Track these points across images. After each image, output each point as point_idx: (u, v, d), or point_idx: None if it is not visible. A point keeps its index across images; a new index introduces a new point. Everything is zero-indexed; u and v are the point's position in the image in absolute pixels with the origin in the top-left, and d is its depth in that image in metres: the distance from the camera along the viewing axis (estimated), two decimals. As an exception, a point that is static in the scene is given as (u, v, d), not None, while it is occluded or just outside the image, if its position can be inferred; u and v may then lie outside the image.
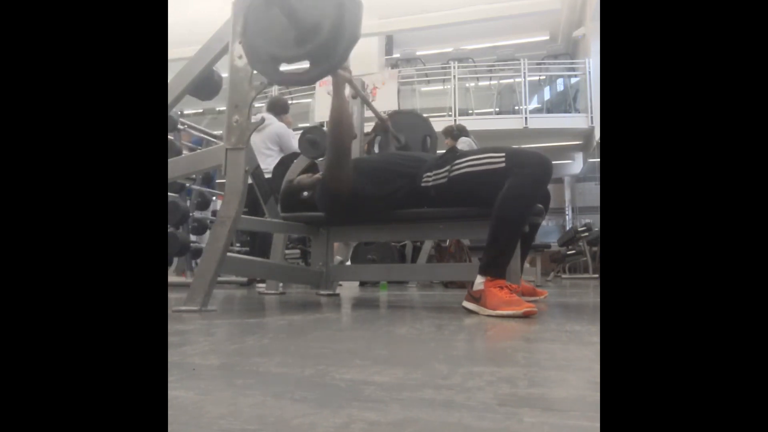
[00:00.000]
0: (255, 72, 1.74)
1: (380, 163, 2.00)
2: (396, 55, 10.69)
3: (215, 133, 5.05)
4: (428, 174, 1.87)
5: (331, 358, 0.82)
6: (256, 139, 3.59)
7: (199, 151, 2.15)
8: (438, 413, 0.50)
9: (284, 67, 1.61)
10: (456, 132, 4.48)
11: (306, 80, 1.66)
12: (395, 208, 1.96)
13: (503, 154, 1.69)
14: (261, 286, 2.94)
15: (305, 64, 1.58)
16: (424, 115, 3.16)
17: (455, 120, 8.09)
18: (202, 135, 4.98)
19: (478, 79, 9.51)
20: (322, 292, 2.45)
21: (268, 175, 2.99)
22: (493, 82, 9.34)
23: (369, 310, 1.86)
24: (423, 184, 1.87)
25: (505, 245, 1.63)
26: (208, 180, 4.91)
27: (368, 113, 2.77)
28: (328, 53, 1.53)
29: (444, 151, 1.97)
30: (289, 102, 9.93)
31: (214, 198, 5.25)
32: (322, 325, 1.31)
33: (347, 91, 2.04)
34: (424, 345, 0.98)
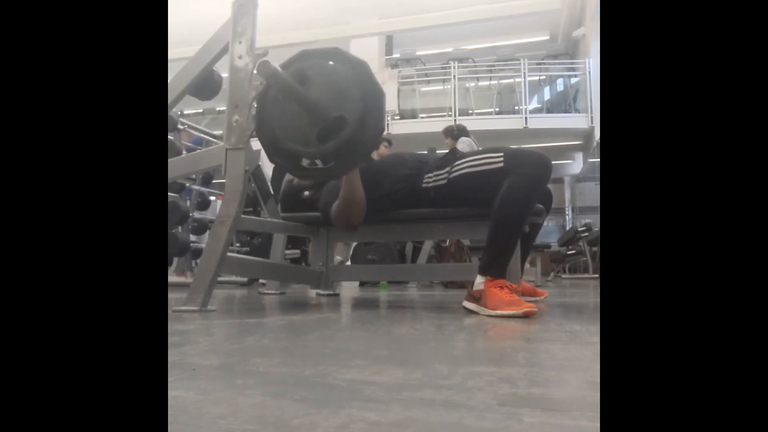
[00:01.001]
0: (255, 72, 1.74)
1: (381, 165, 2.00)
2: (396, 55, 10.69)
3: (215, 133, 5.05)
4: (429, 175, 1.87)
5: (331, 358, 0.82)
6: None
7: (199, 151, 2.15)
8: (438, 413, 0.50)
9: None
10: (456, 132, 4.48)
11: (330, 176, 1.61)
12: (395, 209, 1.96)
13: (502, 155, 1.69)
14: (263, 288, 2.94)
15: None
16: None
17: (455, 120, 8.10)
18: (202, 135, 4.98)
19: (478, 79, 9.51)
20: (322, 292, 2.45)
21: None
22: (493, 82, 9.34)
23: (369, 310, 1.86)
24: (423, 185, 1.87)
25: (505, 245, 1.63)
26: (208, 180, 4.91)
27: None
28: (353, 148, 1.45)
29: (446, 151, 1.98)
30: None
31: (213, 198, 5.25)
32: (322, 325, 1.31)
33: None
34: (424, 345, 0.98)
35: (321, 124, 1.45)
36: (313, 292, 2.67)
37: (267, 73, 1.42)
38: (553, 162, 1.71)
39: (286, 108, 1.49)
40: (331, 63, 1.51)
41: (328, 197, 1.97)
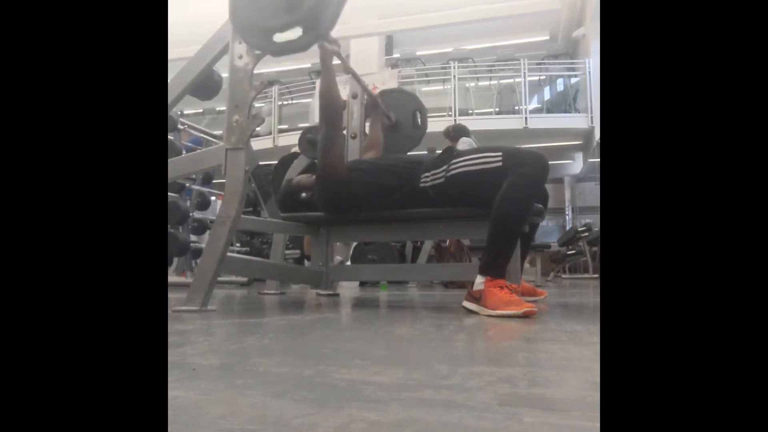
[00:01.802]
0: (255, 71, 1.74)
1: (379, 165, 2.00)
2: (396, 55, 10.68)
3: (215, 133, 5.05)
4: (426, 174, 1.87)
5: (331, 358, 0.82)
6: None
7: (199, 151, 2.15)
8: (438, 413, 0.50)
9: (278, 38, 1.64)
10: (453, 133, 4.45)
11: (299, 47, 1.67)
12: (395, 209, 1.96)
13: (500, 154, 1.69)
14: (263, 288, 2.94)
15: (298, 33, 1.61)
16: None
17: (455, 120, 8.09)
18: (202, 135, 4.98)
19: (478, 79, 9.51)
20: (322, 292, 2.45)
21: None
22: (493, 82, 9.33)
23: (369, 310, 1.86)
24: (422, 185, 1.87)
25: (505, 245, 1.63)
26: (208, 180, 4.91)
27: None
28: (318, 17, 1.56)
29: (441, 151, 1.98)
30: (289, 102, 9.97)
31: (213, 198, 5.25)
32: (322, 325, 1.31)
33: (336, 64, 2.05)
34: (424, 345, 0.98)
35: None
36: (313, 292, 2.67)
37: None
38: (553, 162, 1.71)
39: None
40: None
41: (319, 189, 2.01)
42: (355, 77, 2.51)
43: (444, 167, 1.83)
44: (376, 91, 2.95)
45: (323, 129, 1.95)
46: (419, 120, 2.88)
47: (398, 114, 2.85)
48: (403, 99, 2.95)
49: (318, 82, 2.06)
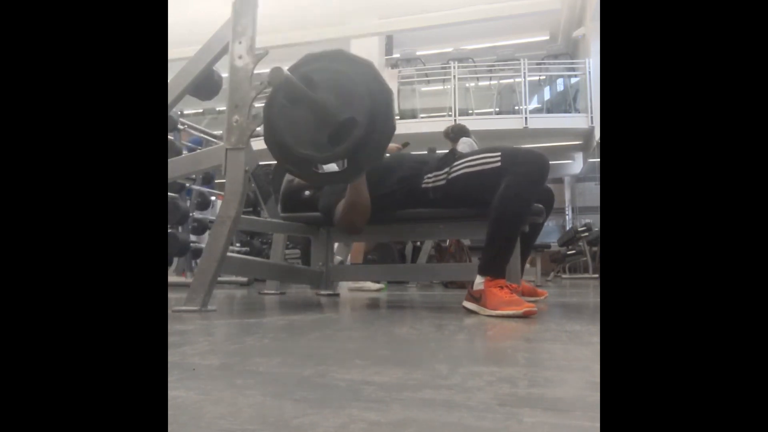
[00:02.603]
0: (255, 72, 1.74)
1: (381, 166, 2.00)
2: (396, 55, 10.68)
3: (215, 133, 5.05)
4: (428, 176, 1.88)
5: (331, 358, 0.82)
6: None
7: (199, 151, 2.15)
8: (438, 413, 0.50)
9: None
10: (452, 134, 4.44)
11: (344, 180, 1.59)
12: (395, 209, 1.96)
13: (499, 154, 1.69)
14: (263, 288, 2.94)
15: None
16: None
17: (455, 120, 8.09)
18: (202, 135, 4.98)
19: (478, 79, 9.51)
20: (322, 292, 2.45)
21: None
22: (493, 82, 9.33)
23: (369, 310, 1.86)
24: (423, 185, 1.88)
25: (504, 245, 1.64)
26: (208, 180, 4.91)
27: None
28: (365, 149, 1.44)
29: (446, 151, 1.98)
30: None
31: (213, 198, 5.25)
32: (322, 325, 1.31)
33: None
34: (424, 345, 0.98)
35: (331, 127, 1.43)
36: (313, 292, 2.67)
37: (280, 80, 1.38)
38: (553, 162, 1.71)
39: (294, 114, 1.47)
40: (335, 65, 1.50)
41: (329, 198, 1.97)
42: None
43: (446, 169, 1.83)
44: None
45: (346, 222, 1.85)
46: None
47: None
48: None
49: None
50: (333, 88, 1.45)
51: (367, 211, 1.79)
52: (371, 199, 1.94)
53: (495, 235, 1.63)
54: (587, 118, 8.30)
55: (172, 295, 2.32)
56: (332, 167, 1.75)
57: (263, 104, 1.58)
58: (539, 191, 1.73)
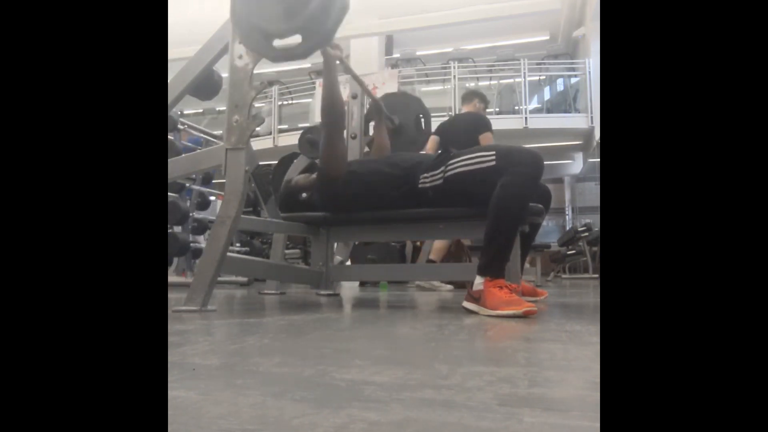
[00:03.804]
0: (255, 72, 1.74)
1: (379, 165, 2.01)
2: (396, 55, 10.68)
3: (215, 133, 5.05)
4: (425, 175, 1.88)
5: (331, 358, 0.82)
6: None
7: (199, 151, 2.15)
8: (438, 413, 0.50)
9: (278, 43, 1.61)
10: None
11: (299, 54, 1.64)
12: (395, 209, 1.96)
13: (493, 153, 1.69)
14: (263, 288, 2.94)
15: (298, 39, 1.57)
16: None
17: (455, 120, 8.08)
18: (202, 135, 4.98)
19: (478, 79, 9.51)
20: (322, 292, 2.45)
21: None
22: (493, 82, 9.33)
23: (369, 310, 1.86)
24: (420, 185, 1.88)
25: (502, 244, 1.64)
26: (208, 180, 4.91)
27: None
28: (318, 25, 1.53)
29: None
30: (289, 102, 9.97)
31: (213, 198, 5.25)
32: (322, 325, 1.31)
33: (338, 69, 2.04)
34: (424, 345, 0.98)
35: (287, 3, 1.53)
36: (313, 292, 2.67)
37: None
38: (553, 162, 1.71)
39: None
40: None
41: (324, 192, 2.01)
42: (357, 80, 2.51)
43: (442, 168, 1.83)
44: (376, 92, 2.95)
45: (325, 131, 1.94)
46: (422, 124, 2.88)
47: (401, 117, 2.85)
48: (407, 102, 2.94)
49: (319, 83, 2.05)
50: None
51: (341, 101, 1.94)
52: (372, 200, 1.94)
53: (493, 235, 1.63)
54: (587, 118, 8.29)
55: (172, 295, 2.32)
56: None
57: None
58: (535, 190, 1.73)
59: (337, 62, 1.97)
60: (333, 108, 1.92)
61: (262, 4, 1.58)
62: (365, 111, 2.79)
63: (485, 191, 1.65)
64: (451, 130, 3.77)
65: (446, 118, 4.09)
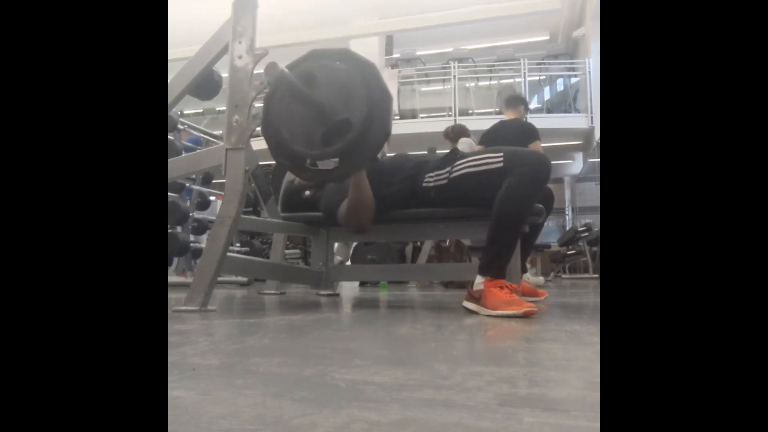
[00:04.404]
0: (255, 72, 1.74)
1: (382, 166, 2.00)
2: (396, 55, 10.67)
3: (215, 133, 5.05)
4: (430, 175, 1.87)
5: (331, 358, 0.82)
6: None
7: (199, 151, 2.15)
8: (438, 413, 0.50)
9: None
10: (452, 134, 4.44)
11: (334, 179, 1.60)
12: (396, 209, 1.96)
13: (501, 155, 1.69)
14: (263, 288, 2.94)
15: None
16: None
17: (455, 120, 8.09)
18: (202, 135, 4.98)
19: (478, 79, 9.50)
20: (322, 292, 2.45)
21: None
22: (493, 82, 9.33)
23: (369, 310, 1.86)
24: (424, 185, 1.88)
25: (504, 245, 1.64)
26: (208, 180, 4.91)
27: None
28: (358, 151, 1.45)
29: (446, 151, 1.98)
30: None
31: (213, 198, 5.25)
32: (322, 325, 1.31)
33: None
34: (424, 345, 0.98)
35: (326, 125, 1.44)
36: (313, 292, 2.67)
37: (274, 76, 1.42)
38: (553, 162, 1.71)
39: (292, 108, 1.48)
40: (338, 64, 1.50)
41: (332, 197, 1.96)
42: None
43: (447, 169, 1.83)
44: None
45: (352, 220, 1.81)
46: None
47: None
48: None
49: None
50: (333, 87, 1.46)
51: (371, 209, 1.77)
52: (377, 203, 1.94)
53: (496, 235, 1.63)
54: (587, 118, 8.29)
55: (172, 295, 2.32)
56: (327, 165, 1.76)
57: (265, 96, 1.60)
58: (541, 192, 1.73)
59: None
60: (359, 218, 1.78)
61: (298, 124, 1.47)
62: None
63: (490, 192, 1.65)
64: (497, 139, 3.74)
65: (493, 125, 4.03)
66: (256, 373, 0.70)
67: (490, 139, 3.72)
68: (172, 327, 1.20)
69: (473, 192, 1.77)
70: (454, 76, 8.87)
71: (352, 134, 1.42)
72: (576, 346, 0.94)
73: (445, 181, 1.82)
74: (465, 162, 1.79)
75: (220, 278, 2.17)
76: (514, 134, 3.70)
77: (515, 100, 4.03)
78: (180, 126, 4.48)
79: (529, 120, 4.08)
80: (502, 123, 3.95)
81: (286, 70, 1.44)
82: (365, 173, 1.72)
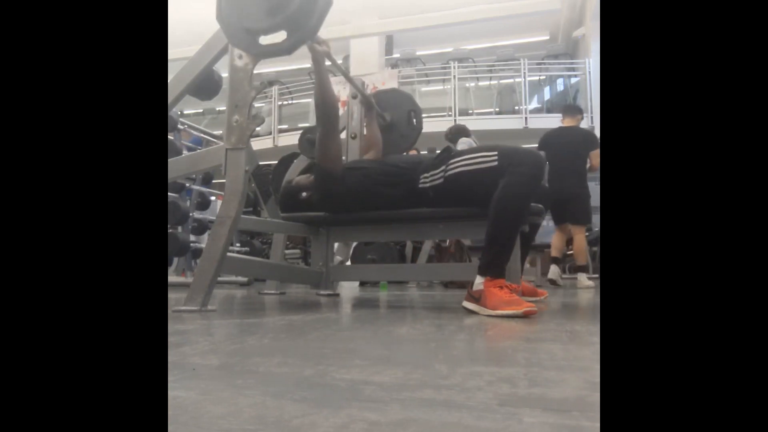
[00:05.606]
0: (255, 72, 1.74)
1: (379, 165, 2.01)
2: (396, 55, 10.68)
3: (215, 133, 5.05)
4: (425, 175, 1.87)
5: (331, 358, 0.82)
6: None
7: (199, 151, 2.15)
8: (438, 413, 0.50)
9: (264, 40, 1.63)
10: (451, 135, 4.45)
11: (283, 50, 1.66)
12: (395, 209, 1.96)
13: (496, 153, 1.69)
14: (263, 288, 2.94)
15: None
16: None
17: (455, 120, 8.09)
18: (202, 135, 4.99)
19: (478, 79, 9.50)
20: (322, 292, 2.45)
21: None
22: (493, 82, 9.33)
23: (369, 310, 1.86)
24: (421, 185, 1.88)
25: (503, 245, 1.64)
26: (208, 180, 4.91)
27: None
28: (301, 21, 1.55)
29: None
30: (289, 102, 9.97)
31: (213, 198, 5.25)
32: (322, 325, 1.31)
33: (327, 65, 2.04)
34: (424, 345, 0.98)
35: (271, 1, 1.56)
36: (313, 292, 2.67)
37: None
38: (553, 162, 1.70)
39: None
40: None
41: (318, 191, 2.02)
42: (347, 78, 2.50)
43: (442, 167, 1.83)
44: (375, 91, 2.94)
45: (320, 127, 1.94)
46: (414, 120, 2.88)
47: (393, 114, 2.85)
48: (398, 99, 2.94)
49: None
50: None
51: (335, 107, 1.93)
52: (372, 202, 1.94)
53: (494, 235, 1.63)
54: (587, 118, 8.29)
55: (172, 295, 2.32)
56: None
57: None
58: (537, 190, 1.73)
59: (327, 60, 1.97)
60: (325, 102, 1.92)
61: (246, 2, 1.60)
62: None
63: (486, 191, 1.65)
64: (556, 145, 3.77)
65: (552, 129, 4.08)
66: (256, 373, 0.70)
67: (549, 143, 3.77)
68: (172, 327, 1.20)
69: (469, 190, 1.77)
70: (454, 76, 8.87)
71: (293, 5, 1.52)
72: (576, 346, 0.94)
73: (441, 180, 1.83)
74: (460, 160, 1.79)
75: (220, 278, 2.17)
76: (573, 141, 3.76)
77: (573, 109, 4.13)
78: (180, 126, 4.48)
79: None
80: (561, 129, 4.00)
81: None
82: (327, 73, 1.89)
